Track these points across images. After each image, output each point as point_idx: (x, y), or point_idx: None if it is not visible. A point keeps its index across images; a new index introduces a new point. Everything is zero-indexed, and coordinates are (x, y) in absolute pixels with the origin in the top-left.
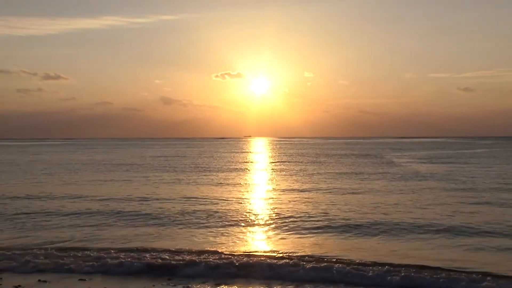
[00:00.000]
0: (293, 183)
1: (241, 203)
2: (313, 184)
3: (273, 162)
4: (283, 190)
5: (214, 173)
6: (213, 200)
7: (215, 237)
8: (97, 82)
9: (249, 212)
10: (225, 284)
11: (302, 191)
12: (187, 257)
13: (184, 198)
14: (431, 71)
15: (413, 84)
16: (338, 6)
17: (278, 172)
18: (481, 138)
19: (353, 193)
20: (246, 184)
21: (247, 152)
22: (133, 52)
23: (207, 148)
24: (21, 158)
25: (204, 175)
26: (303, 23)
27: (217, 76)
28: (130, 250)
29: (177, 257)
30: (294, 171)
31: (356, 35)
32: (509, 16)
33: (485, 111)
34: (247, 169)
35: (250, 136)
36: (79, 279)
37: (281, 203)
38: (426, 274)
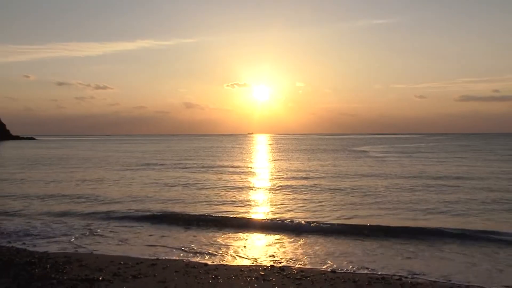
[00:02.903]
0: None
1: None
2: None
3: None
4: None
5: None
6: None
7: None
8: (135, 90)
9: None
10: None
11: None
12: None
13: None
14: (393, 82)
15: (380, 92)
16: (323, 31)
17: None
18: (432, 134)
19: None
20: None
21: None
22: (162, 68)
23: (220, 143)
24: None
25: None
26: (296, 44)
27: (228, 85)
28: None
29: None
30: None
31: (337, 54)
32: (450, 43)
33: (435, 114)
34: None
35: (252, 133)
36: None
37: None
38: None
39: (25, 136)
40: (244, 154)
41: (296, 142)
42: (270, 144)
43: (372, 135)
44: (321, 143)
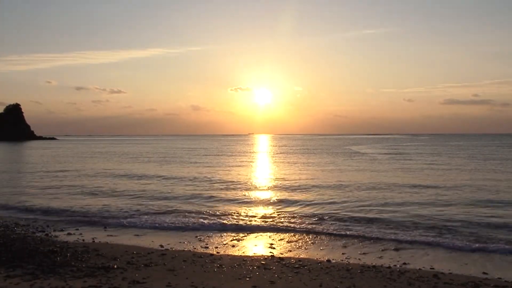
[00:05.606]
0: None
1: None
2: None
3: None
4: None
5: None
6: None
7: None
8: (146, 94)
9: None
10: None
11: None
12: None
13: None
14: (384, 87)
15: (371, 96)
16: (319, 40)
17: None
18: (419, 134)
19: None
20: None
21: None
22: (171, 73)
23: (222, 143)
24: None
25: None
26: (294, 52)
27: (231, 89)
28: None
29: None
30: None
31: (332, 61)
32: (434, 51)
33: (421, 116)
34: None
35: (252, 133)
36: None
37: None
38: None
39: (47, 137)
40: (243, 156)
41: (295, 142)
42: (272, 145)
43: (365, 135)
44: (320, 143)
